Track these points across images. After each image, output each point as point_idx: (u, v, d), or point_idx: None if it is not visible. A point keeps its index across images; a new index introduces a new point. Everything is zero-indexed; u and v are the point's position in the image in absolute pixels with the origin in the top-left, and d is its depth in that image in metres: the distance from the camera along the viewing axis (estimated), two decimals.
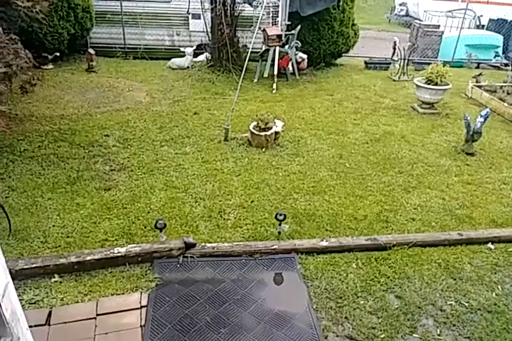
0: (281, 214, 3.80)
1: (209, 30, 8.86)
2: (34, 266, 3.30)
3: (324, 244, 3.77)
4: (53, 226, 3.91)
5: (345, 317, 3.14)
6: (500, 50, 12.32)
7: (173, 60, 9.00)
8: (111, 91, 7.39)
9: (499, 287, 3.51)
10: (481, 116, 5.77)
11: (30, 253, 3.55)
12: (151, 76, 8.41)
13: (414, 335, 3.04)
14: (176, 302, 3.19)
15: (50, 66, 8.35)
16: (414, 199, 4.70)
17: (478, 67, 11.37)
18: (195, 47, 9.24)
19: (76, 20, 8.48)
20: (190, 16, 9.62)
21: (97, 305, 3.11)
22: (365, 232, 4.07)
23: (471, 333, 3.07)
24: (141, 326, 2.97)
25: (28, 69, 5.18)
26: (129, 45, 9.62)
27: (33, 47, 7.82)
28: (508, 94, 7.83)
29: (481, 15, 14.83)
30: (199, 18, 9.39)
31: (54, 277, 3.33)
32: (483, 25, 14.85)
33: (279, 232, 3.90)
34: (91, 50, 8.36)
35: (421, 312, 3.23)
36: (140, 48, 9.60)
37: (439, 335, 3.05)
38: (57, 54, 8.42)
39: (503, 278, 3.61)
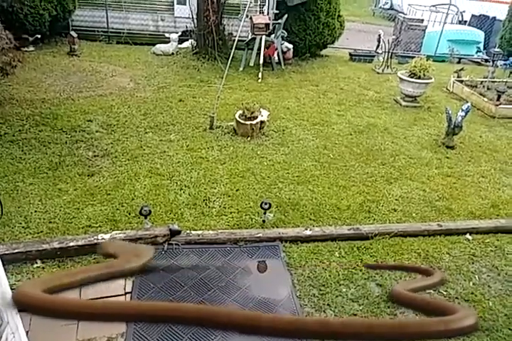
0: (266, 203, 3.83)
1: (194, 16, 8.72)
2: (16, 251, 3.26)
3: (308, 232, 3.82)
4: (35, 211, 3.86)
5: (328, 305, 3.20)
6: (481, 46, 12.52)
7: (157, 45, 8.85)
8: (94, 75, 7.25)
9: (476, 276, 3.62)
10: (462, 110, 5.87)
11: (12, 239, 3.50)
12: (135, 61, 8.27)
13: None
14: (160, 288, 3.19)
15: (31, 48, 8.11)
16: (396, 190, 4.79)
17: (459, 62, 11.53)
18: (180, 34, 9.10)
19: (58, 2, 8.24)
20: (175, 1, 9.43)
21: (80, 292, 3.09)
22: (348, 222, 4.14)
23: None
24: None
25: (8, 51, 5.05)
26: (113, 29, 9.40)
27: (13, 28, 7.58)
28: (488, 89, 7.98)
29: (464, 11, 15.02)
30: (184, 4, 9.23)
31: (36, 263, 3.29)
32: (465, 21, 15.05)
33: (264, 221, 3.93)
34: (73, 33, 8.14)
35: None
36: (124, 33, 9.40)
37: None
38: (38, 36, 8.17)
39: (480, 268, 3.72)
